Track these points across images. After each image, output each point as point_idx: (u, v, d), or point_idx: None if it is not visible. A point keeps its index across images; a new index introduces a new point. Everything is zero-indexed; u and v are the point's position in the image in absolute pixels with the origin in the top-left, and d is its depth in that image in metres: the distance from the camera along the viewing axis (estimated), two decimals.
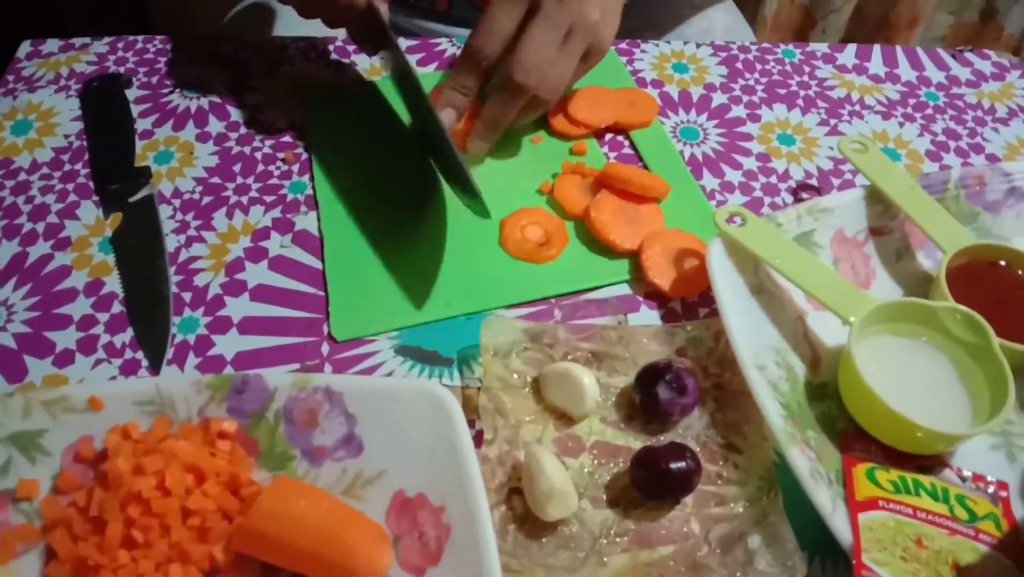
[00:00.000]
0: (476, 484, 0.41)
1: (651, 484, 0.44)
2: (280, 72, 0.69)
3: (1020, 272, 0.54)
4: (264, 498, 0.41)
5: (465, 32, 0.77)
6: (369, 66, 0.71)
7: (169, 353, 0.51)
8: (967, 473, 0.47)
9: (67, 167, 0.62)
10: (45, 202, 0.59)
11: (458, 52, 0.71)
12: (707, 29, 0.87)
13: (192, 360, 0.51)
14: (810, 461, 0.44)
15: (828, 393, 0.50)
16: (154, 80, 0.69)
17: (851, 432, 0.48)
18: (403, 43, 0.73)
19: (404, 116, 0.66)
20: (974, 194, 0.59)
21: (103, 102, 0.66)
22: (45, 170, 0.61)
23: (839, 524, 0.42)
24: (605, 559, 0.43)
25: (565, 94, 0.64)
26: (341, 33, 0.71)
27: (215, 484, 0.43)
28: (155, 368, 0.51)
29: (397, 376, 0.51)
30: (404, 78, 0.59)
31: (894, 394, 0.46)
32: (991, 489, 0.47)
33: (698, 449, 0.47)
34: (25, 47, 0.71)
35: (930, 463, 0.47)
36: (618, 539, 0.44)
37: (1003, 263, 0.54)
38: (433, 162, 0.61)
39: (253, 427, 0.45)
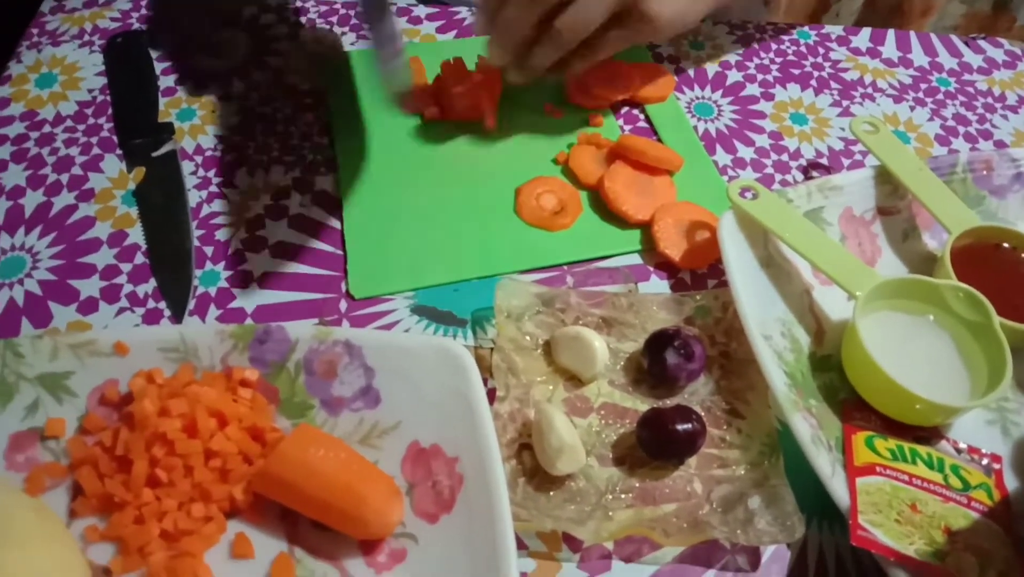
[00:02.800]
0: (489, 436, 0.42)
1: (656, 444, 0.46)
2: (301, 36, 0.70)
3: (1023, 254, 0.55)
4: (286, 444, 0.42)
5: None
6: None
7: (191, 304, 0.53)
8: (963, 445, 0.49)
9: (91, 120, 0.63)
10: (69, 154, 0.60)
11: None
12: (722, 12, 0.87)
13: (213, 312, 0.53)
14: (811, 428, 0.46)
15: (831, 365, 0.52)
16: (177, 39, 0.69)
17: (852, 402, 0.50)
18: (424, 10, 0.74)
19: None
20: (981, 178, 0.60)
21: (127, 58, 0.67)
22: (69, 123, 0.62)
23: (837, 487, 0.44)
24: (610, 513, 0.44)
25: (592, 62, 0.62)
26: None
27: (237, 429, 0.44)
28: (177, 318, 0.52)
29: (414, 334, 0.52)
30: None
31: (895, 367, 0.47)
32: (985, 461, 0.48)
33: (703, 414, 0.48)
34: (49, 2, 0.72)
35: (927, 434, 0.49)
36: (623, 496, 0.46)
37: (1006, 245, 0.55)
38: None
39: (274, 376, 0.46)
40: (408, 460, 0.45)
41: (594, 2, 0.56)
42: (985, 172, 0.60)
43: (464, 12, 0.74)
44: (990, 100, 0.72)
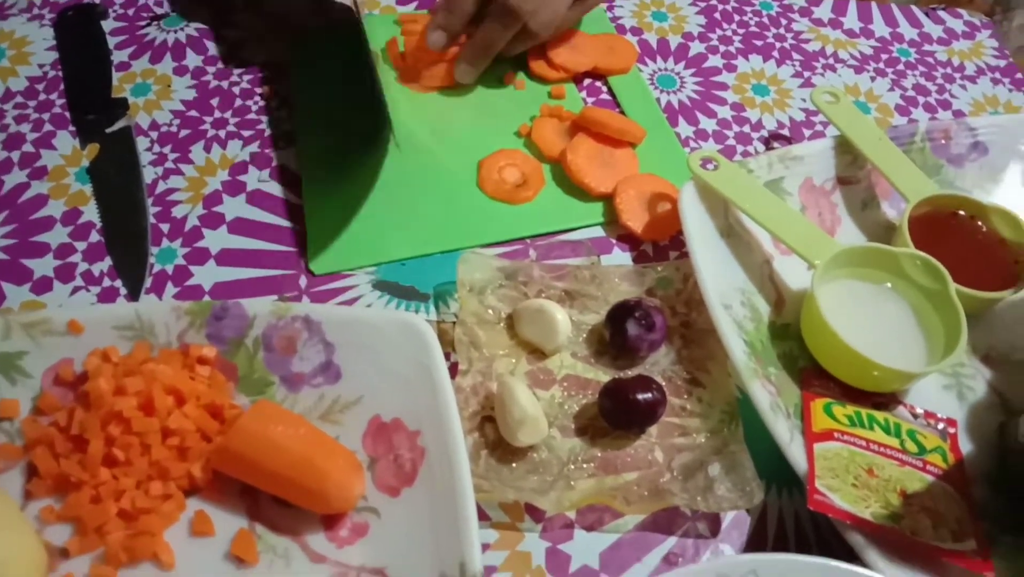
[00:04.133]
0: (451, 408, 0.42)
1: (618, 413, 0.46)
2: (261, 8, 0.69)
3: (979, 222, 0.56)
4: (244, 420, 0.42)
5: None
6: (351, 3, 0.70)
7: (147, 282, 0.52)
8: (919, 410, 0.49)
9: (42, 96, 0.61)
10: (20, 131, 0.59)
11: None
12: None
13: (170, 289, 0.52)
14: (770, 395, 0.46)
15: (790, 334, 0.52)
16: (131, 12, 0.68)
17: (811, 370, 0.50)
18: None
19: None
20: (939, 147, 0.61)
21: (78, 32, 0.65)
22: (19, 99, 0.61)
23: (795, 453, 0.44)
24: (572, 483, 0.45)
25: (555, 35, 0.65)
26: None
27: (195, 406, 0.44)
28: (133, 296, 0.51)
29: (376, 309, 0.52)
30: None
31: (853, 334, 0.47)
32: (940, 426, 0.49)
33: (664, 383, 0.49)
34: None
35: (885, 400, 0.49)
36: (585, 465, 0.46)
37: (963, 213, 0.56)
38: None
39: (232, 353, 0.46)
40: (369, 434, 0.44)
41: None
42: (943, 141, 0.61)
43: None
44: (949, 70, 0.72)
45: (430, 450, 0.42)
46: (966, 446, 0.49)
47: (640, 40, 0.70)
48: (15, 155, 0.57)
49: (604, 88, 0.66)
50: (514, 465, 0.45)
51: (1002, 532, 0.44)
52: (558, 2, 0.61)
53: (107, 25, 0.66)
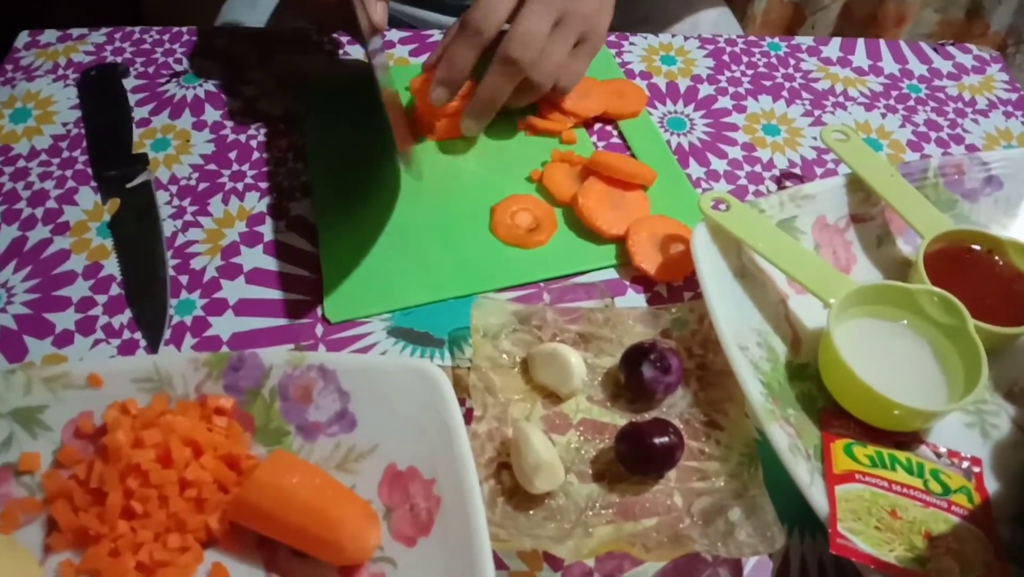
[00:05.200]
0: (466, 456, 0.42)
1: (635, 458, 0.46)
2: (274, 62, 0.71)
3: (995, 257, 0.55)
4: (260, 471, 0.42)
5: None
6: (363, 54, 0.72)
7: (167, 334, 0.53)
8: (942, 449, 0.49)
9: (65, 154, 0.63)
10: (44, 188, 0.60)
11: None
12: (695, 26, 0.89)
13: (189, 340, 0.52)
14: (789, 437, 0.46)
15: (808, 373, 0.52)
16: (151, 70, 0.70)
17: (831, 410, 0.50)
18: (396, 34, 0.74)
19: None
20: (953, 182, 0.60)
21: (101, 91, 0.67)
22: (44, 157, 0.63)
23: (816, 496, 0.44)
24: (591, 530, 0.44)
25: (568, 87, 0.65)
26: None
27: (212, 457, 0.44)
28: (153, 348, 0.52)
29: (389, 356, 0.52)
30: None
31: (872, 373, 0.47)
32: (965, 465, 0.48)
33: (681, 426, 0.48)
34: (23, 37, 0.72)
35: (907, 440, 0.49)
36: (603, 511, 0.45)
37: (979, 248, 0.56)
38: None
39: (249, 403, 0.46)
40: (385, 483, 0.44)
41: (536, 15, 0.58)
42: (956, 176, 0.60)
43: (436, 35, 0.74)
44: (960, 105, 0.72)
45: (446, 499, 0.42)
46: (992, 485, 0.48)
47: (649, 84, 0.71)
48: (39, 211, 0.59)
49: (615, 132, 0.67)
50: (531, 512, 0.45)
51: None
52: (557, 51, 0.61)
53: (128, 83, 0.68)
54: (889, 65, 0.76)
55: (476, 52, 0.59)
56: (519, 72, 0.60)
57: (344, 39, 0.73)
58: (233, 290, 0.55)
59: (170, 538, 0.42)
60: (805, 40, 0.77)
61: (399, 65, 0.72)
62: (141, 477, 0.42)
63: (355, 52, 0.72)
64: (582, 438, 0.49)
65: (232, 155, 0.63)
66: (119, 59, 0.70)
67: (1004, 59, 0.79)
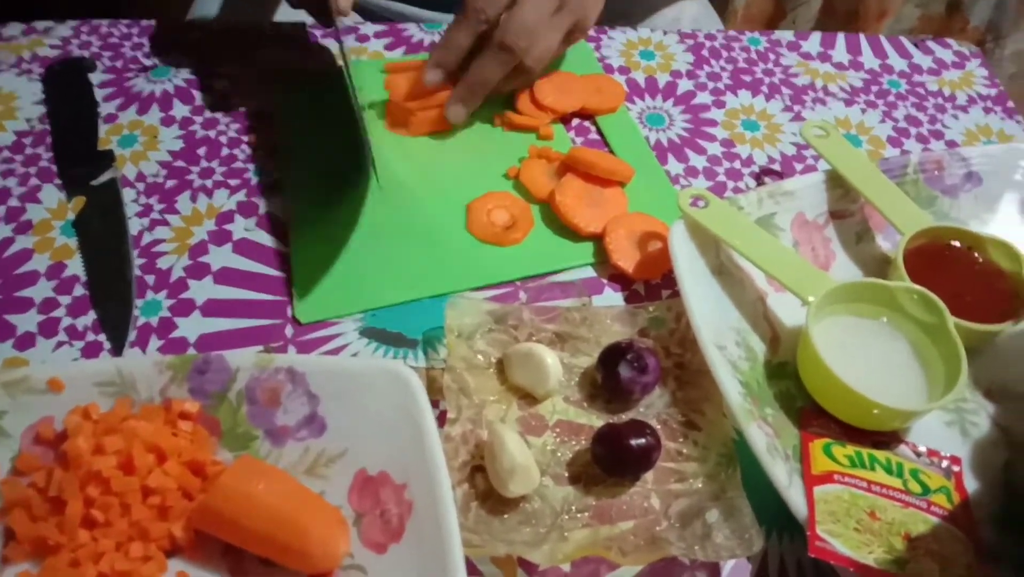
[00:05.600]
0: (438, 460, 0.41)
1: (611, 460, 0.45)
2: (247, 58, 0.69)
3: (975, 254, 0.55)
4: (225, 477, 0.41)
5: (434, 15, 0.78)
6: (336, 51, 0.70)
7: (132, 336, 0.51)
8: (922, 448, 0.48)
9: (29, 151, 0.61)
10: (6, 185, 0.59)
11: (426, 38, 0.72)
12: (676, 19, 0.88)
13: (155, 342, 0.51)
14: (767, 437, 0.45)
15: (787, 372, 0.51)
16: (119, 64, 0.68)
17: (810, 410, 0.49)
18: (372, 28, 0.73)
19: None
20: (933, 178, 0.60)
21: (66, 85, 0.65)
22: (6, 153, 0.61)
23: (795, 497, 0.43)
24: (566, 534, 0.43)
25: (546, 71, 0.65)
26: (309, 18, 0.71)
27: (176, 464, 0.43)
28: (117, 350, 0.51)
29: (361, 358, 0.51)
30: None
31: (851, 372, 0.46)
32: (944, 464, 0.48)
33: (659, 427, 0.48)
34: None
35: (886, 439, 0.48)
36: (579, 515, 0.45)
37: (959, 245, 0.55)
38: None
39: (215, 407, 0.45)
40: (355, 489, 0.43)
41: (536, 4, 0.58)
42: (936, 172, 0.60)
43: (412, 29, 0.73)
44: (940, 100, 0.72)
45: (417, 504, 0.41)
46: (972, 484, 0.47)
47: (628, 79, 0.70)
48: (0, 210, 0.57)
49: (593, 128, 0.66)
50: (505, 516, 0.44)
51: (1012, 575, 0.43)
52: (551, 37, 0.61)
53: (95, 78, 0.66)
54: (869, 60, 0.75)
55: (473, 35, 0.59)
56: (513, 59, 0.60)
57: (318, 32, 0.72)
58: (201, 290, 0.53)
59: (132, 547, 0.41)
60: (785, 35, 0.77)
61: (373, 59, 0.70)
62: (102, 484, 0.41)
63: (329, 47, 0.71)
64: (558, 440, 0.48)
65: (201, 151, 0.62)
66: (86, 53, 0.68)
67: (983, 54, 0.78)
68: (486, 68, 0.60)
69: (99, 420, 0.43)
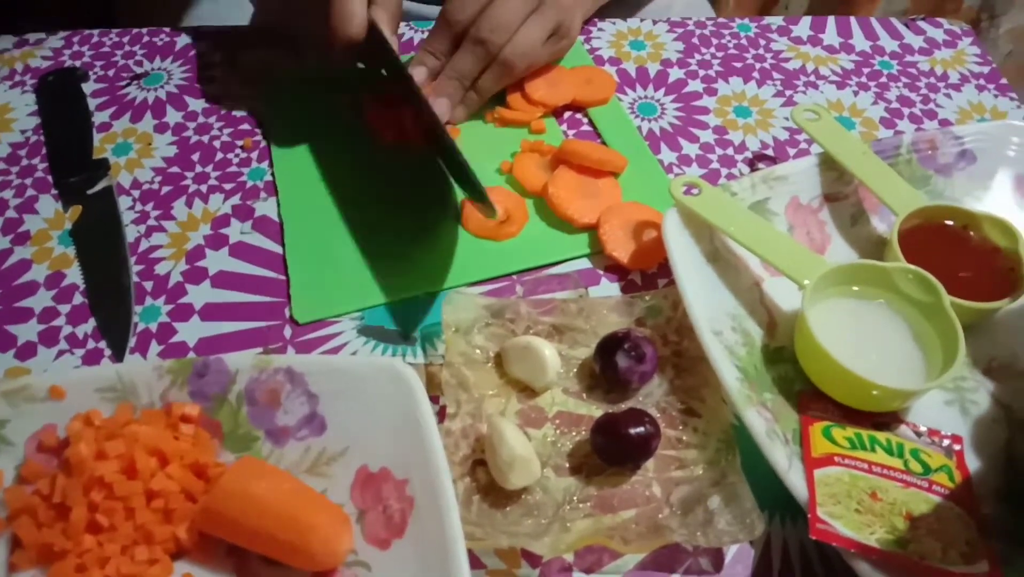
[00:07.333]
0: (438, 455, 0.41)
1: (611, 449, 0.45)
2: (238, 62, 0.69)
3: (970, 232, 0.55)
4: (226, 479, 0.41)
5: (433, 10, 0.78)
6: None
7: (132, 342, 0.52)
8: (922, 428, 0.48)
9: (24, 162, 0.61)
10: (3, 197, 0.59)
11: (416, 36, 0.72)
12: (668, 8, 0.88)
13: (155, 348, 0.51)
14: (767, 421, 0.45)
15: (785, 356, 0.51)
16: (111, 73, 0.68)
17: (808, 393, 0.49)
18: None
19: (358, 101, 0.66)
20: (926, 158, 0.60)
21: (59, 96, 0.66)
22: (2, 166, 0.61)
23: (795, 480, 0.43)
24: (568, 524, 0.43)
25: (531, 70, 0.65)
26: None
27: (178, 467, 0.43)
28: (118, 357, 0.51)
29: (359, 356, 0.51)
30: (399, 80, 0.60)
31: (849, 354, 0.46)
32: (945, 443, 0.48)
33: (658, 415, 0.48)
34: None
35: (886, 420, 0.48)
36: (581, 505, 0.45)
37: (953, 224, 0.55)
38: (443, 165, 0.62)
39: (216, 410, 0.45)
40: (357, 486, 0.43)
41: (506, 6, 0.60)
42: (930, 152, 0.60)
43: (403, 28, 0.73)
44: (933, 80, 0.72)
45: (419, 499, 0.41)
46: (973, 463, 0.47)
47: (619, 70, 0.70)
48: None
49: (585, 120, 0.66)
50: (507, 509, 0.44)
51: (1015, 552, 0.43)
52: (530, 34, 0.61)
53: (88, 87, 0.67)
54: (860, 42, 0.75)
55: (451, 42, 0.61)
56: (487, 54, 0.60)
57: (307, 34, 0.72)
58: (199, 295, 0.54)
59: (137, 551, 0.41)
60: (775, 20, 0.77)
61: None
62: (105, 489, 0.41)
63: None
64: (558, 431, 0.48)
65: (195, 157, 0.62)
66: (78, 63, 0.69)
67: (977, 33, 0.78)
68: (460, 61, 0.61)
69: (101, 426, 0.44)
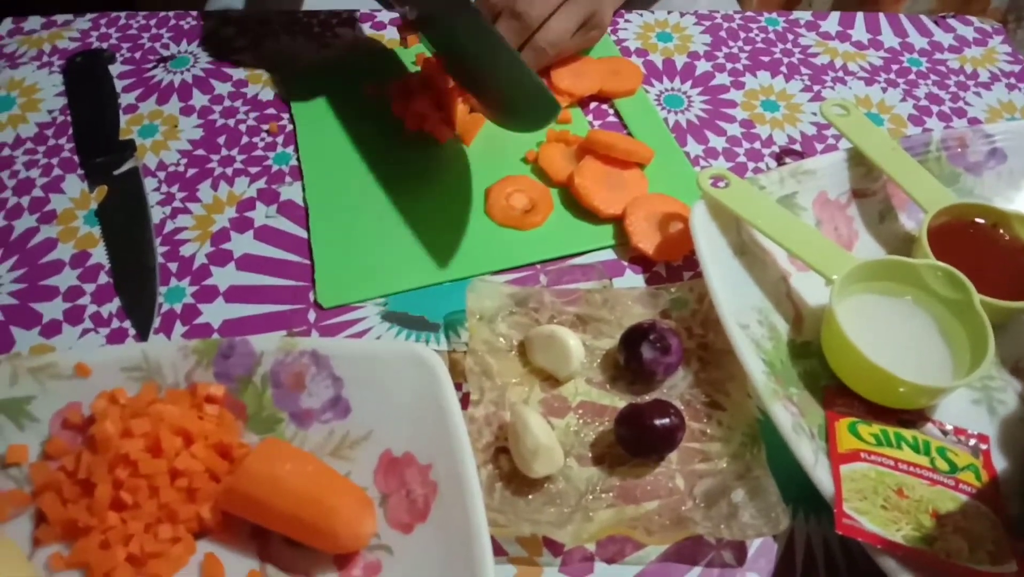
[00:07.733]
0: (462, 441, 0.41)
1: (635, 440, 0.45)
2: (264, 47, 0.69)
3: (1000, 230, 0.54)
4: (251, 460, 0.41)
5: None
6: (352, 39, 0.70)
7: (156, 322, 0.52)
8: (949, 427, 0.48)
9: (51, 142, 0.62)
10: (30, 176, 0.59)
11: None
12: (693, 1, 0.87)
13: (179, 328, 0.51)
14: (792, 416, 0.45)
15: (811, 351, 0.51)
16: (137, 55, 0.68)
17: (834, 388, 0.49)
18: (387, 15, 0.73)
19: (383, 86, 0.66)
20: (956, 155, 0.59)
21: (87, 77, 0.66)
22: (29, 145, 0.61)
23: (821, 476, 0.43)
24: (591, 514, 0.43)
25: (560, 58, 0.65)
26: (324, 5, 0.71)
27: (203, 446, 0.43)
28: (142, 336, 0.51)
29: (384, 341, 0.51)
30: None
31: (876, 350, 0.46)
32: (972, 442, 0.47)
33: (682, 407, 0.47)
34: (7, 24, 0.71)
35: (912, 418, 0.48)
36: (604, 495, 0.44)
37: (983, 222, 0.54)
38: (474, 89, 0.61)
39: (240, 391, 0.45)
40: (380, 470, 0.43)
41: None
42: (959, 149, 0.59)
43: None
44: (962, 78, 0.71)
45: (443, 485, 0.41)
46: (1000, 462, 0.47)
47: (646, 61, 0.70)
48: (25, 200, 0.58)
49: (611, 111, 0.66)
50: (530, 497, 0.44)
51: None
52: (563, 21, 0.61)
53: (115, 69, 0.67)
54: (889, 39, 0.74)
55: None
56: (523, 28, 0.60)
57: (334, 20, 0.71)
58: (223, 277, 0.54)
59: (161, 529, 0.41)
60: (803, 15, 0.76)
61: (391, 47, 0.70)
62: (130, 467, 0.41)
63: (344, 35, 0.71)
64: (581, 421, 0.48)
65: (221, 140, 0.62)
66: (105, 45, 0.69)
67: (1005, 31, 0.77)
68: (502, 30, 0.60)
69: (126, 404, 0.44)
